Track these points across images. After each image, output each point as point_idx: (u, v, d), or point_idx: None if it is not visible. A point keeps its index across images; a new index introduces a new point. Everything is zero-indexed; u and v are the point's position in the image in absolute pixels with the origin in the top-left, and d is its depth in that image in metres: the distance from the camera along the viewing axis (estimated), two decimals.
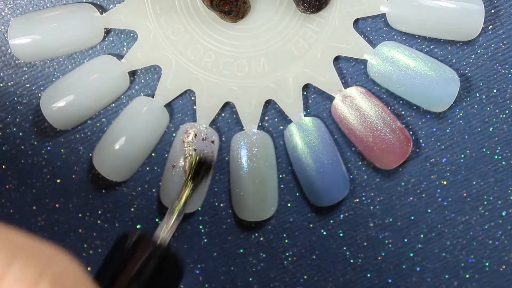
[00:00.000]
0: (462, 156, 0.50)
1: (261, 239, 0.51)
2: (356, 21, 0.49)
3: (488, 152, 0.50)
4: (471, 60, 0.49)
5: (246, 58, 0.49)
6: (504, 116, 0.50)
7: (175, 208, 0.44)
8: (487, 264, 0.51)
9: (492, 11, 0.49)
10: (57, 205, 0.51)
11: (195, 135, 0.49)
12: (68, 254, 0.32)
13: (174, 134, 0.50)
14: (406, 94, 0.49)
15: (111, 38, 0.50)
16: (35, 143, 0.50)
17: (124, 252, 0.40)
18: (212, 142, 0.49)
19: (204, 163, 0.47)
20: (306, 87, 0.50)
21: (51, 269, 0.31)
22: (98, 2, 0.50)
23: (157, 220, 0.50)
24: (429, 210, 0.50)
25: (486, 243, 0.51)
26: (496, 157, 0.50)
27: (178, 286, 0.41)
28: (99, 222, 0.51)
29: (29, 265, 0.30)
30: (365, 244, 0.51)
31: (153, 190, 0.50)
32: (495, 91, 0.50)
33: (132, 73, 0.50)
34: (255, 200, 0.49)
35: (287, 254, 0.51)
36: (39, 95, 0.50)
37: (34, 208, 0.51)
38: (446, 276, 0.51)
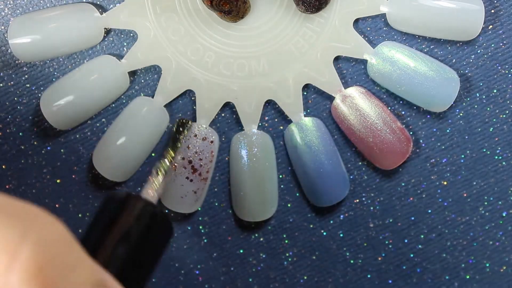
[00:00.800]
0: (462, 156, 0.50)
1: (261, 239, 0.51)
2: (356, 21, 0.49)
3: (489, 153, 0.50)
4: (471, 60, 0.49)
5: (246, 58, 0.49)
6: (504, 116, 0.50)
7: (161, 167, 0.44)
8: (487, 265, 0.51)
9: (492, 11, 0.49)
10: (57, 205, 0.51)
11: (195, 135, 0.49)
12: (52, 215, 0.31)
13: None
14: (406, 94, 0.49)
15: (111, 38, 0.50)
16: (35, 143, 0.50)
17: (111, 212, 0.39)
18: (212, 142, 0.49)
19: (183, 124, 0.47)
20: (306, 87, 0.50)
21: (34, 230, 0.30)
22: (98, 2, 0.50)
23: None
24: (429, 211, 0.50)
25: (487, 244, 0.51)
26: (496, 157, 0.50)
27: (168, 246, 0.40)
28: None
29: (10, 225, 0.29)
30: (365, 244, 0.51)
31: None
32: (495, 91, 0.50)
33: (132, 73, 0.50)
34: (255, 200, 0.49)
35: (287, 254, 0.51)
36: (39, 95, 0.50)
37: None
38: (447, 277, 0.51)
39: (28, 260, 0.29)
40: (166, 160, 0.44)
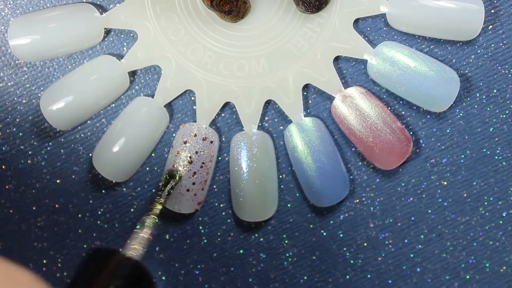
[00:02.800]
0: (463, 156, 0.50)
1: (261, 239, 0.51)
2: (356, 21, 0.49)
3: (489, 153, 0.50)
4: (471, 60, 0.49)
5: (246, 58, 0.49)
6: (504, 116, 0.50)
7: (148, 221, 0.44)
8: (487, 265, 0.51)
9: (492, 11, 0.49)
10: (57, 206, 0.51)
11: (195, 135, 0.49)
12: (43, 283, 0.31)
13: (174, 134, 0.50)
14: (406, 94, 0.49)
15: (111, 38, 0.50)
16: (35, 143, 0.50)
17: (94, 267, 0.39)
18: (212, 142, 0.49)
19: (171, 176, 0.47)
20: (306, 87, 0.50)
21: None
22: (98, 2, 0.50)
23: (156, 221, 0.50)
24: (430, 211, 0.50)
25: (487, 244, 0.51)
26: (496, 157, 0.50)
27: None
28: (99, 222, 0.51)
29: None
30: (365, 244, 0.51)
31: (153, 190, 0.50)
32: (495, 91, 0.50)
33: (132, 73, 0.50)
34: (255, 200, 0.49)
35: (287, 254, 0.51)
36: (39, 95, 0.50)
37: (34, 208, 0.51)
38: (447, 277, 0.51)
39: None
40: (153, 215, 0.44)
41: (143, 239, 0.43)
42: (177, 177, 0.47)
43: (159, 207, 0.46)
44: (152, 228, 0.44)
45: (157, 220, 0.45)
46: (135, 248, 0.42)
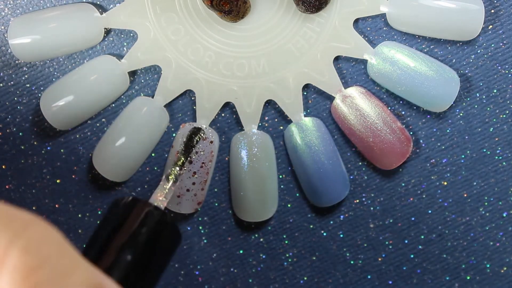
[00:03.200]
0: (463, 156, 0.50)
1: (261, 240, 0.51)
2: (356, 21, 0.49)
3: (489, 153, 0.50)
4: (471, 60, 0.49)
5: (246, 58, 0.49)
6: (504, 116, 0.50)
7: (172, 173, 0.44)
8: (488, 265, 0.51)
9: (492, 11, 0.49)
10: (57, 206, 0.51)
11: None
12: (44, 221, 0.31)
13: (174, 134, 0.50)
14: (406, 94, 0.49)
15: (111, 38, 0.50)
16: (35, 143, 0.50)
17: (118, 217, 0.38)
18: (212, 142, 0.49)
19: (194, 132, 0.47)
20: (306, 87, 0.50)
21: (24, 235, 0.30)
22: (98, 2, 0.50)
23: (180, 172, 0.49)
24: (430, 211, 0.50)
25: (487, 244, 0.51)
26: (496, 157, 0.50)
27: (174, 254, 0.39)
28: (98, 222, 0.51)
29: None
30: (365, 245, 0.51)
31: (153, 190, 0.50)
32: (495, 91, 0.50)
33: (132, 73, 0.50)
34: (255, 200, 0.49)
35: (287, 255, 0.51)
36: (39, 95, 0.50)
37: (34, 208, 0.51)
38: (447, 278, 0.51)
39: (17, 263, 0.29)
40: (177, 166, 0.44)
41: (168, 190, 0.42)
42: (200, 134, 0.47)
43: (183, 158, 0.45)
44: (176, 179, 0.43)
45: (181, 172, 0.44)
46: (160, 199, 0.42)
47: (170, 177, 0.44)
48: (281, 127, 0.50)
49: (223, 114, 0.50)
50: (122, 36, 0.50)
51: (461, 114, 0.50)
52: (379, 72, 0.48)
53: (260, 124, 0.50)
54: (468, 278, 0.51)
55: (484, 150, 0.50)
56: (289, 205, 0.51)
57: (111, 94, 0.49)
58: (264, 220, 0.50)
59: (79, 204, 0.51)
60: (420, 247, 0.51)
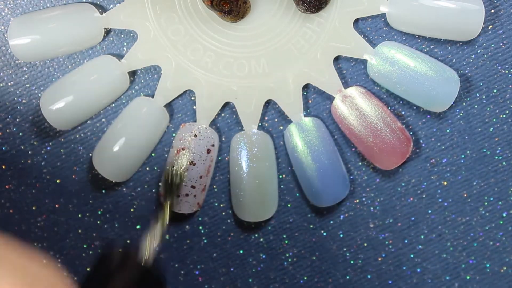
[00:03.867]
0: (463, 156, 0.50)
1: (261, 240, 0.51)
2: (356, 21, 0.49)
3: (489, 153, 0.50)
4: (471, 60, 0.49)
5: (246, 58, 0.49)
6: (504, 116, 0.50)
7: (159, 227, 0.44)
8: (487, 265, 0.51)
9: (492, 11, 0.49)
10: (57, 206, 0.51)
11: (195, 135, 0.49)
12: (56, 270, 0.31)
13: (174, 134, 0.50)
14: (406, 94, 0.49)
15: (111, 38, 0.50)
16: (35, 143, 0.50)
17: (109, 268, 0.39)
18: (213, 145, 0.49)
19: (173, 177, 0.47)
20: (306, 87, 0.50)
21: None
22: (98, 2, 0.50)
23: (166, 222, 0.50)
24: (430, 211, 0.50)
25: (487, 244, 0.51)
26: (496, 157, 0.50)
27: None
28: (99, 222, 0.51)
29: (13, 283, 0.30)
30: (365, 245, 0.51)
31: (153, 190, 0.50)
32: (495, 91, 0.50)
33: (132, 73, 0.50)
34: (255, 200, 0.49)
35: (287, 255, 0.51)
36: (39, 95, 0.50)
37: (34, 208, 0.51)
38: (447, 278, 0.51)
39: None
40: (165, 212, 0.44)
41: (159, 234, 0.43)
42: (182, 174, 0.47)
43: (170, 203, 0.46)
44: (162, 232, 0.43)
45: (167, 222, 0.44)
46: (148, 253, 0.42)
47: (157, 230, 0.44)
48: (281, 127, 0.50)
49: (223, 114, 0.50)
50: (122, 36, 0.50)
51: (461, 114, 0.50)
52: (379, 72, 0.48)
53: (260, 124, 0.50)
54: (468, 278, 0.51)
55: (484, 150, 0.50)
56: (289, 205, 0.51)
57: (111, 94, 0.49)
58: (264, 220, 0.50)
59: (79, 204, 0.51)
60: (420, 247, 0.51)
